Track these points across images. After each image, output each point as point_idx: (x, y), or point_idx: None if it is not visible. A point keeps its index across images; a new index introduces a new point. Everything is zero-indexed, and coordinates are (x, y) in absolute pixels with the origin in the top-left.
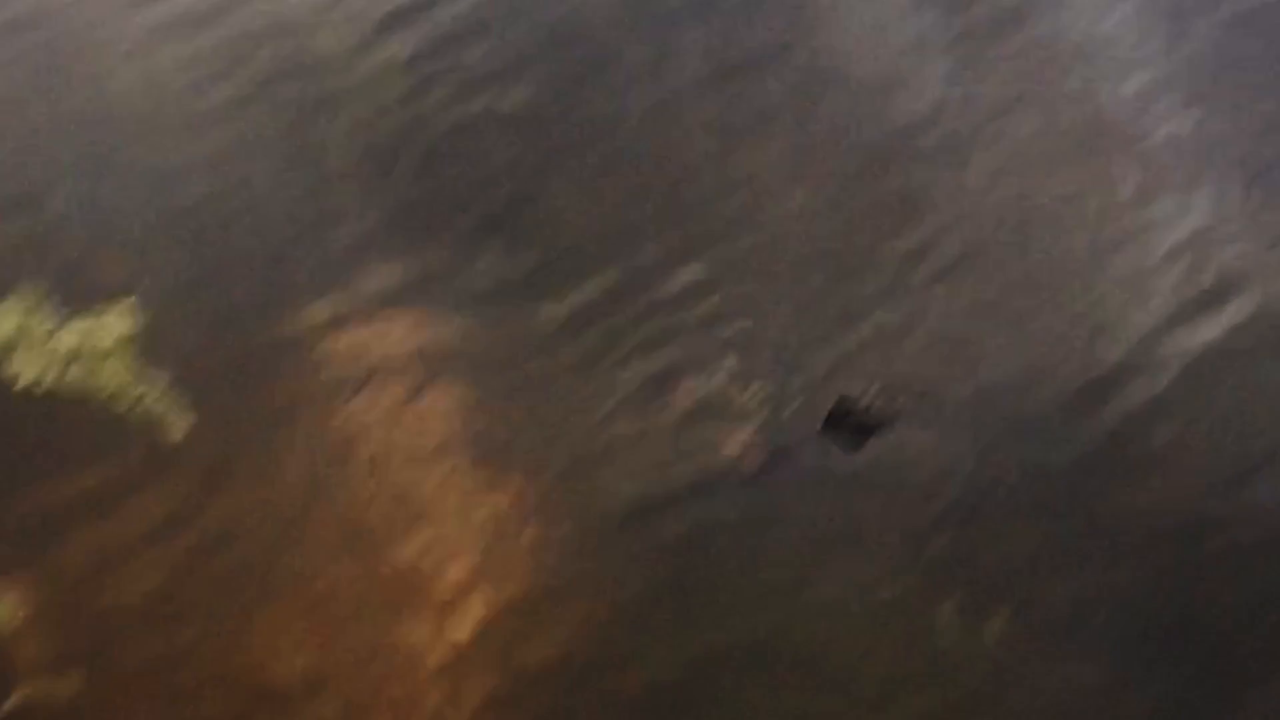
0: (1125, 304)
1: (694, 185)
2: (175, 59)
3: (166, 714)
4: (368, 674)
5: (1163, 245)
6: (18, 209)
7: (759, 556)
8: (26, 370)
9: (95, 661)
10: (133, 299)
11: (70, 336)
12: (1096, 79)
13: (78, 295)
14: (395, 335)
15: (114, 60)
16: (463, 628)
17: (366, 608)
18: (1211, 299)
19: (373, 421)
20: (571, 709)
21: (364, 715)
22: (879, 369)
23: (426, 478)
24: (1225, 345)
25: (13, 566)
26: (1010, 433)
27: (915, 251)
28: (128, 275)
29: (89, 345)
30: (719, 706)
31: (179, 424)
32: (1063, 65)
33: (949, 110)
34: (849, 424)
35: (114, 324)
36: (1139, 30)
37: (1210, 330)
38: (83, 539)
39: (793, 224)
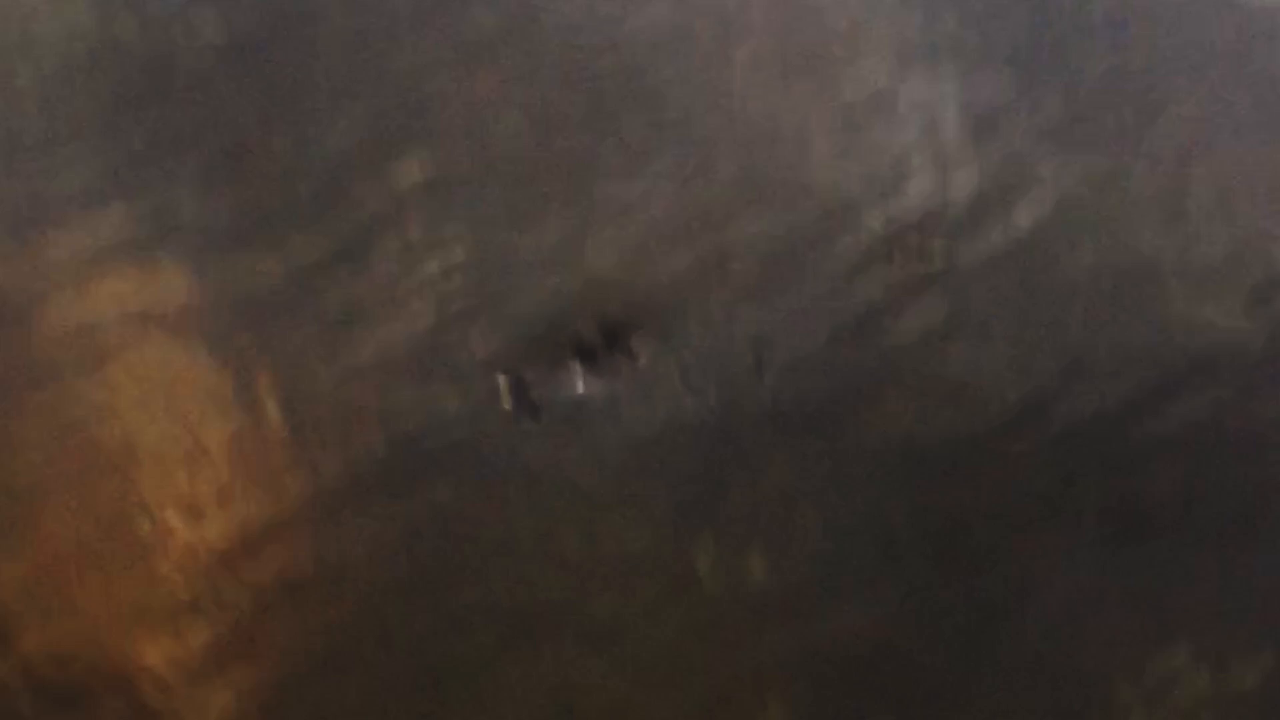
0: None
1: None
2: None
3: None
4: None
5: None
6: None
7: (507, 509)
8: None
9: None
10: None
11: None
12: None
13: None
14: (114, 288)
15: None
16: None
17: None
18: (997, 199)
19: (92, 378)
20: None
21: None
22: (613, 293)
23: (149, 429)
24: (1017, 249)
25: None
26: (765, 355)
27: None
28: None
29: None
30: (476, 673)
31: None
32: None
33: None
34: (582, 357)
35: None
36: None
37: (997, 234)
38: None
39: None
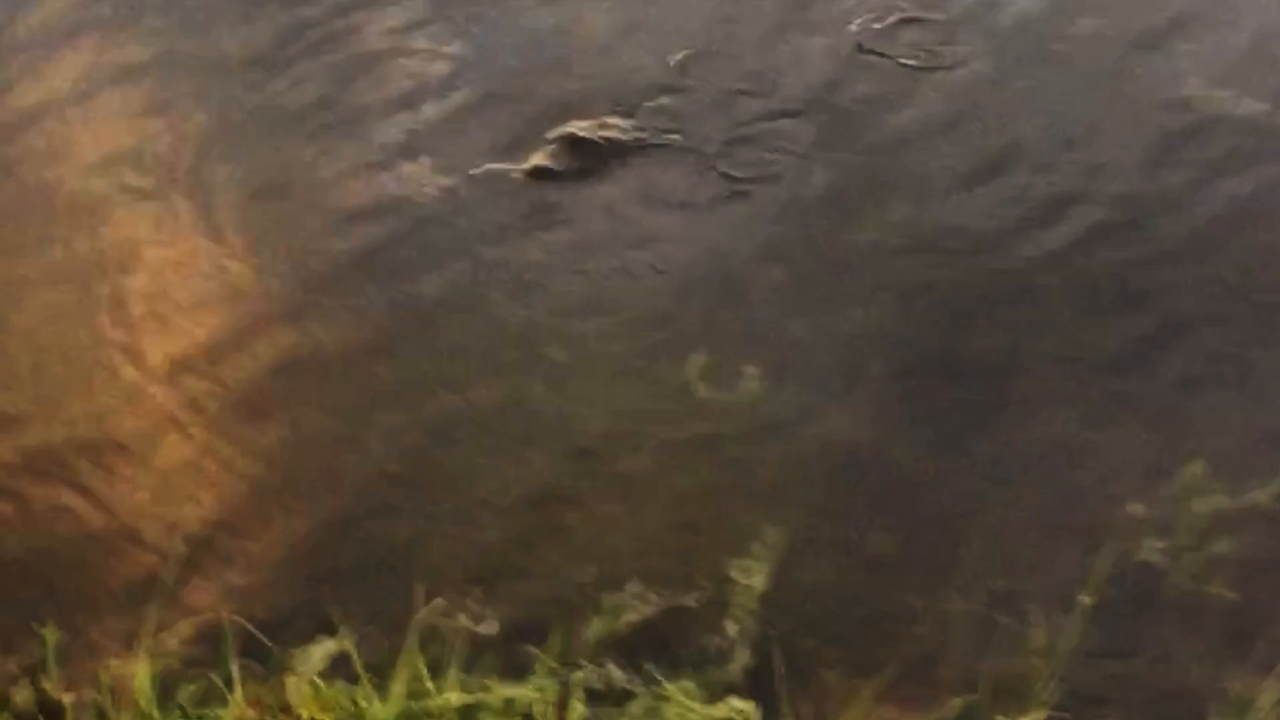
0: None
1: None
2: None
3: None
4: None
5: None
6: None
7: (493, 316)
8: None
9: None
10: None
11: None
12: None
13: None
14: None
15: None
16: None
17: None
18: None
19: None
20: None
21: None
22: (608, 88)
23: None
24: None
25: None
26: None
27: None
28: None
29: None
30: (460, 471)
31: None
32: None
33: None
34: (581, 154)
35: None
36: None
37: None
38: None
39: None
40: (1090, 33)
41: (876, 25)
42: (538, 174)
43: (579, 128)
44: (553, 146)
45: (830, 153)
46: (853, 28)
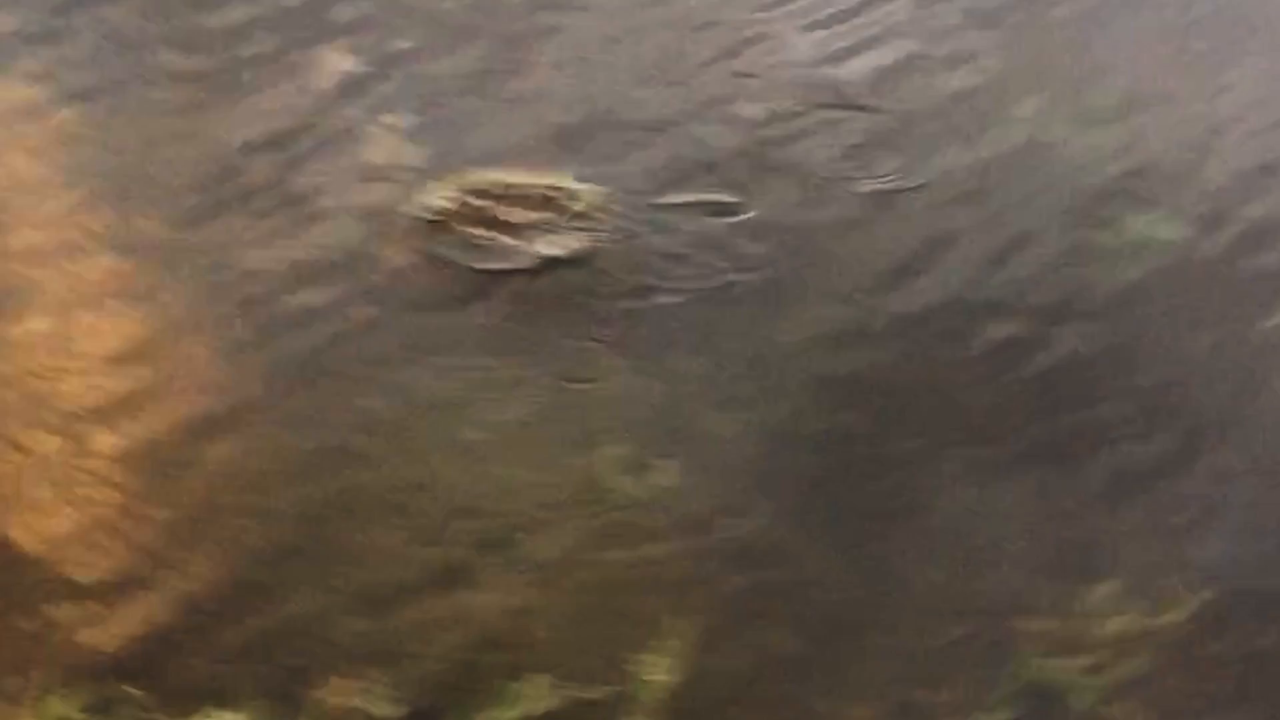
0: None
1: None
2: None
3: None
4: None
5: None
6: None
7: (403, 388)
8: None
9: None
10: None
11: None
12: None
13: None
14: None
15: None
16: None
17: None
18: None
19: None
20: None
21: None
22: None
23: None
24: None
25: None
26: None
27: None
28: None
29: None
30: (366, 548)
31: None
32: None
33: None
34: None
35: None
36: None
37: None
38: None
39: None
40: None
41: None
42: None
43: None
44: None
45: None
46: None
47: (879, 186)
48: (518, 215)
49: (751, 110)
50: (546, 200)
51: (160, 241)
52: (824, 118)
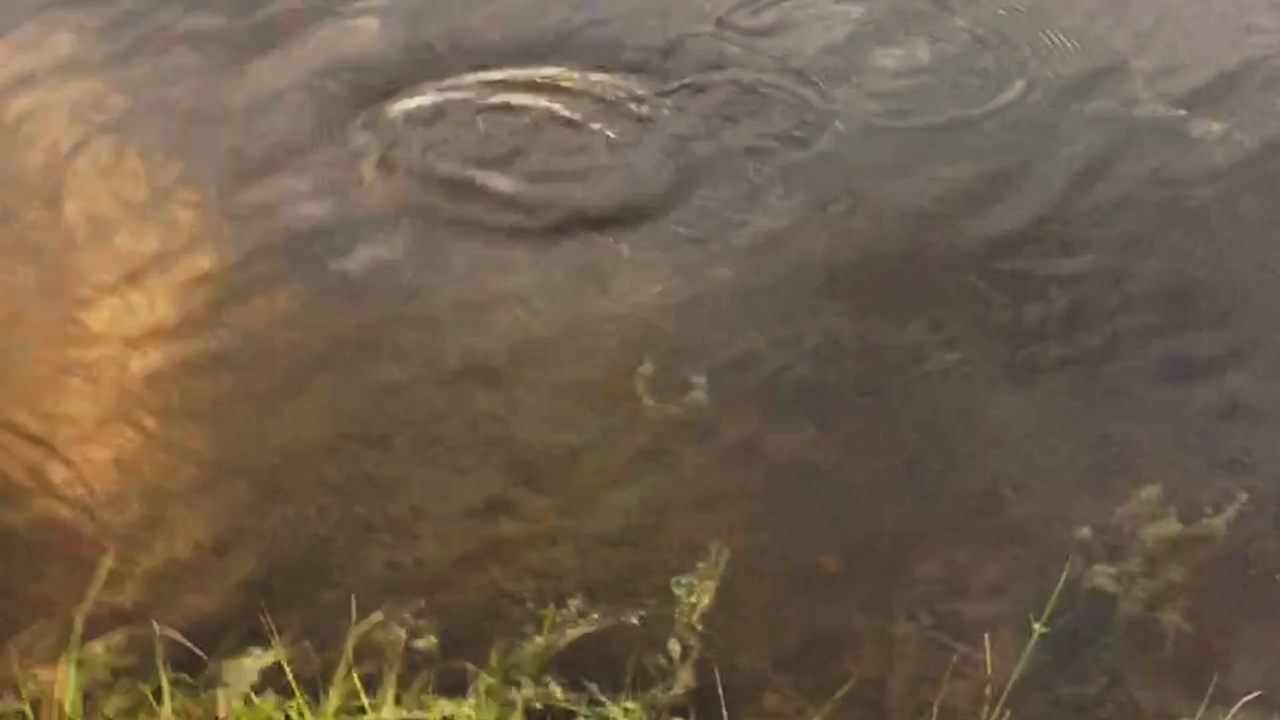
0: None
1: None
2: None
3: None
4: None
5: None
6: None
7: (436, 322)
8: None
9: None
10: None
11: None
12: None
13: None
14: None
15: None
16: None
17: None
18: None
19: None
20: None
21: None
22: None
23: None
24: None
25: None
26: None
27: None
28: None
29: None
30: (398, 481)
31: None
32: None
33: None
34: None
35: None
36: None
37: None
38: None
39: None
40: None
41: None
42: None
43: None
44: None
45: None
46: None
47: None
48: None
49: None
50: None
51: (208, 201)
52: None
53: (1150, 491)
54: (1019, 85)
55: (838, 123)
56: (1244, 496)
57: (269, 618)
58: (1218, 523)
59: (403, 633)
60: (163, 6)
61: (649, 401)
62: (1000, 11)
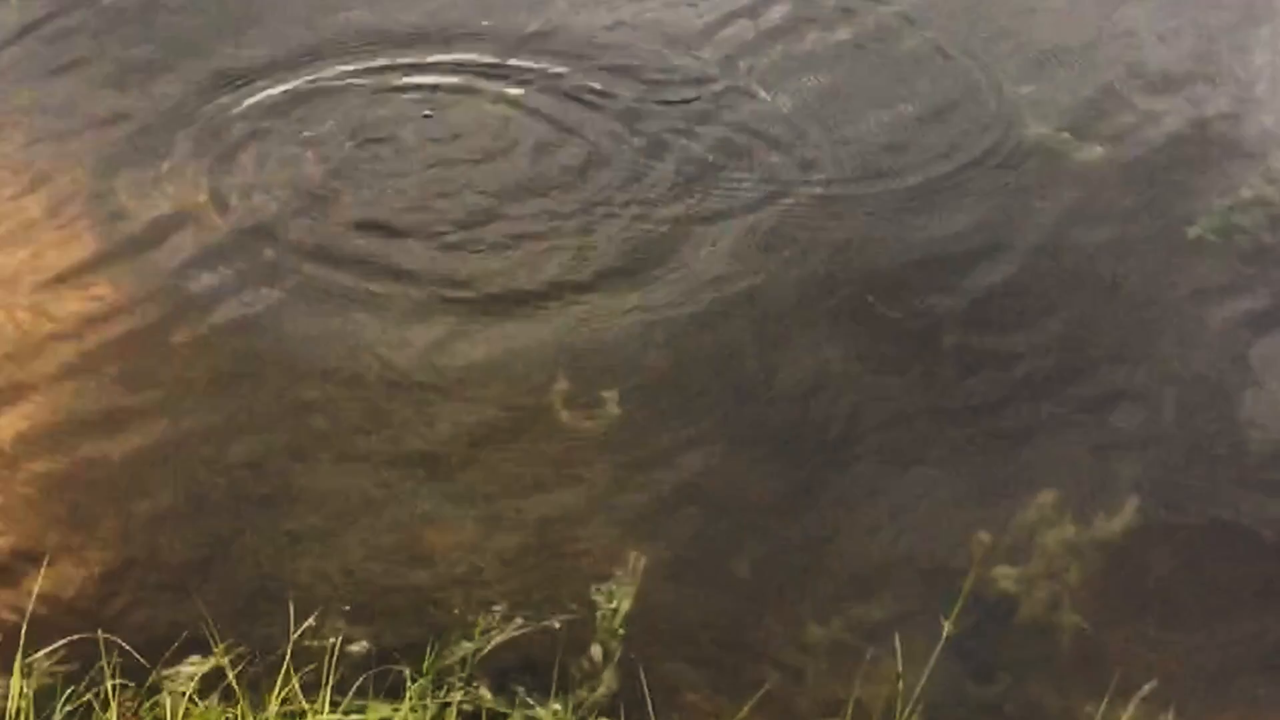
0: None
1: None
2: None
3: None
4: None
5: None
6: None
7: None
8: None
9: None
10: None
11: None
12: None
13: None
14: None
15: None
16: None
17: None
18: None
19: None
20: None
21: None
22: None
23: None
24: None
25: None
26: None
27: None
28: None
29: None
30: (324, 492)
31: None
32: None
33: None
34: None
35: None
36: None
37: None
38: None
39: None
40: None
41: None
42: None
43: None
44: None
45: None
46: None
47: None
48: None
49: None
50: None
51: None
52: None
53: (1047, 497)
54: None
55: None
56: (1135, 503)
57: (210, 626)
58: (1113, 526)
59: (337, 639)
60: None
61: (565, 416)
62: None
